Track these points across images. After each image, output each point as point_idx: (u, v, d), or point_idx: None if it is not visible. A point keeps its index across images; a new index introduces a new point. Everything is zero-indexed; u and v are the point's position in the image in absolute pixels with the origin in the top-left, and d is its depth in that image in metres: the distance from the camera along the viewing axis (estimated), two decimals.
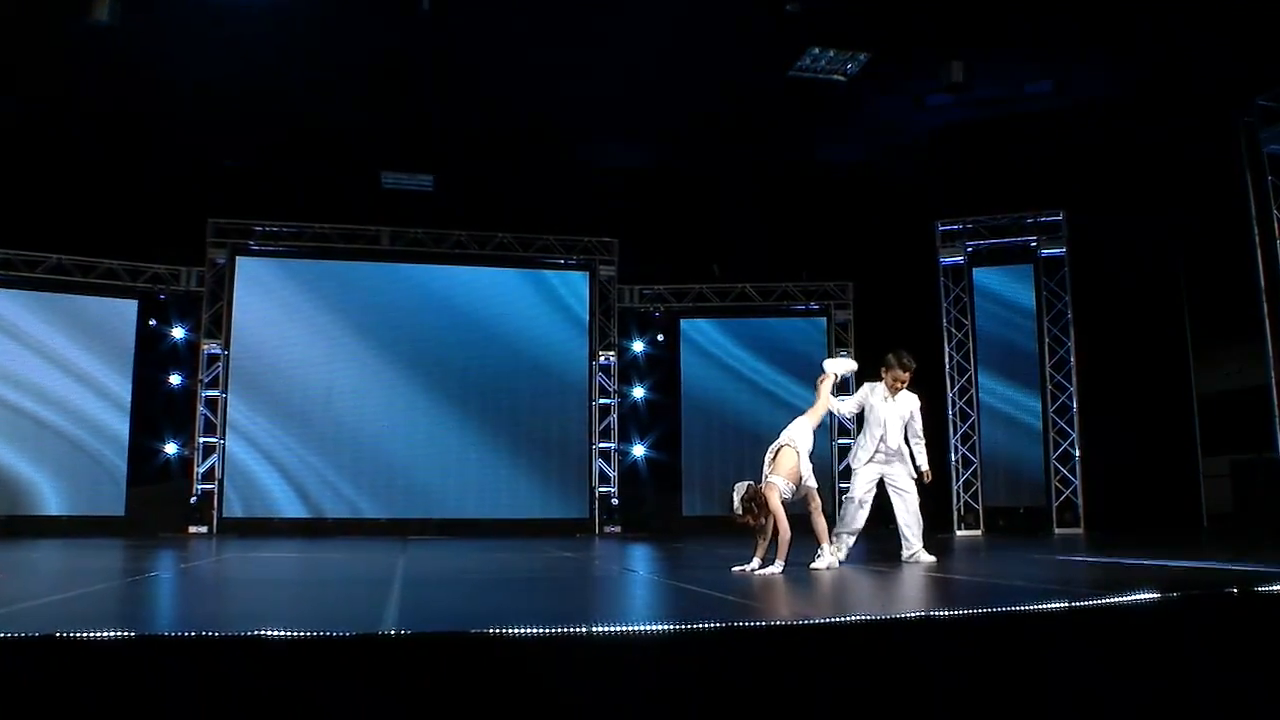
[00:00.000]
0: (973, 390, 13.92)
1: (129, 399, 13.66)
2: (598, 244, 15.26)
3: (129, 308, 13.92)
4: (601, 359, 15.10)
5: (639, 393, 15.32)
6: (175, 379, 13.99)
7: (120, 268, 13.89)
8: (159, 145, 12.95)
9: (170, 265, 14.14)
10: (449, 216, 14.68)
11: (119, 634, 2.75)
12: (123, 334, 13.81)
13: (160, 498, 13.60)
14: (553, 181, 14.40)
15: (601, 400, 15.01)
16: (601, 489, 14.74)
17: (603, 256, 15.26)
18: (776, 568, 5.75)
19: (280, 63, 11.04)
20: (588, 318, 15.13)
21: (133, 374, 13.73)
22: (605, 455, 14.89)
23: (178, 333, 14.11)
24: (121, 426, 13.59)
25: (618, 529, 14.41)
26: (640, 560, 7.75)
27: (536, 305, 15.04)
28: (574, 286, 15.24)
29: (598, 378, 15.03)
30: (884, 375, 6.79)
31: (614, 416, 15.02)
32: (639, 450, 15.15)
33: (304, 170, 13.80)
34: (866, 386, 6.93)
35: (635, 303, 15.52)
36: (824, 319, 15.50)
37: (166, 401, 13.90)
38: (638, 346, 15.47)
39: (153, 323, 13.99)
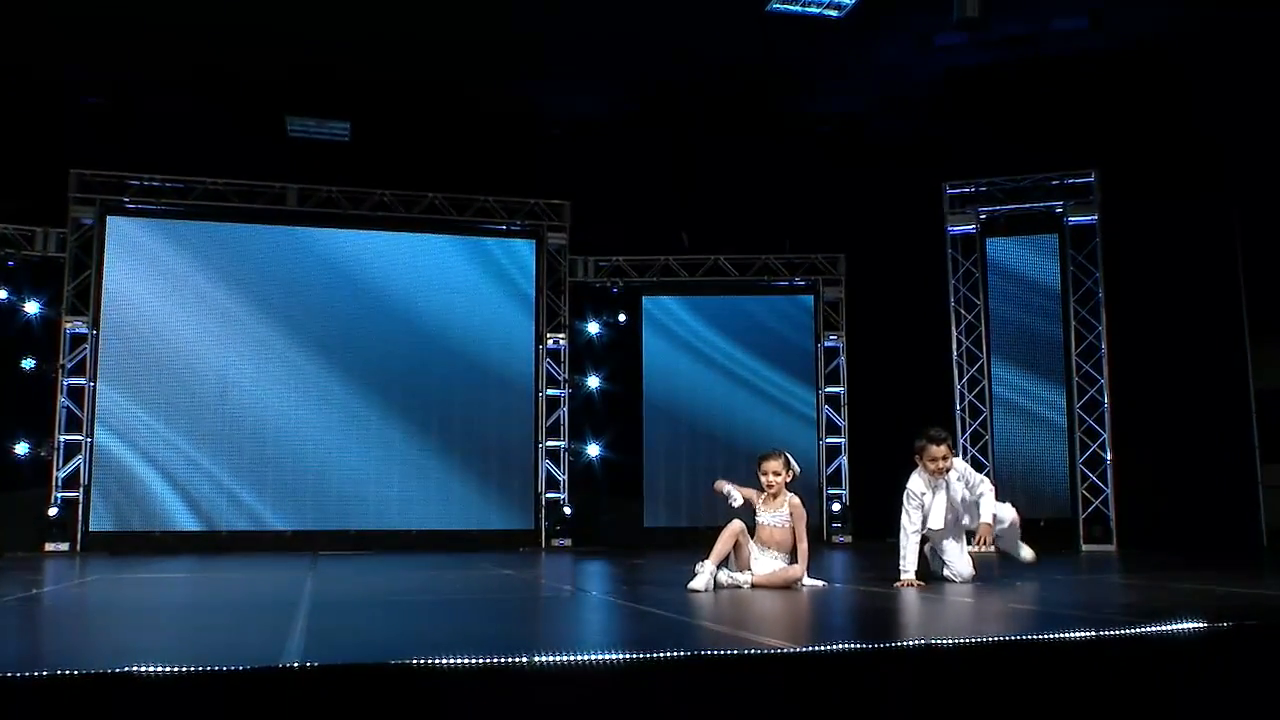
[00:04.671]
0: (985, 381, 14.05)
1: None
2: (546, 207, 15.22)
3: None
4: (550, 342, 15.08)
5: (594, 382, 15.31)
6: (28, 364, 13.72)
7: None
8: (4, 75, 12.65)
9: (21, 225, 13.86)
10: (369, 172, 14.58)
11: None
12: None
13: (8, 509, 13.30)
14: (493, 132, 14.32)
15: (550, 391, 14.99)
16: (549, 495, 14.75)
17: (552, 222, 15.23)
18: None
19: None
20: (534, 294, 15.10)
21: None
22: (554, 456, 14.89)
23: (31, 308, 13.82)
24: None
25: (568, 542, 14.43)
26: (593, 578, 7.80)
27: (473, 278, 14.98)
28: (518, 257, 15.20)
29: (545, 364, 15.01)
30: (917, 459, 6.68)
31: (564, 410, 15.01)
32: (593, 450, 15.16)
33: (191, 112, 13.59)
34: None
35: (590, 276, 15.51)
36: (810, 297, 15.59)
37: (17, 391, 13.60)
38: (593, 328, 15.48)
39: (0, 295, 13.73)
